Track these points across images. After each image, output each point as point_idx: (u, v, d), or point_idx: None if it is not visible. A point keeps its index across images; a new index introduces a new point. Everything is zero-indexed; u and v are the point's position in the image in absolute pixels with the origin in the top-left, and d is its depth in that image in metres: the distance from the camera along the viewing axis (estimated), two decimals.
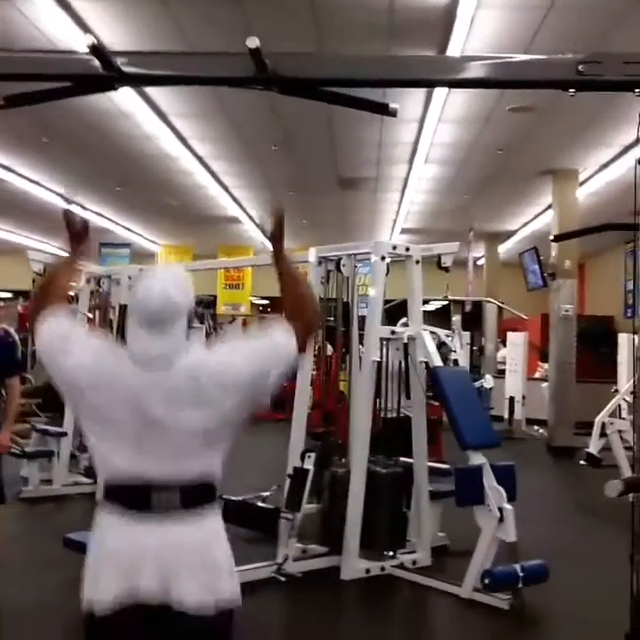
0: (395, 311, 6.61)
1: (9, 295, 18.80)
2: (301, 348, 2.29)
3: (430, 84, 2.58)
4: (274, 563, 5.10)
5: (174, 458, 2.18)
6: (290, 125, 8.78)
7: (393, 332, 5.30)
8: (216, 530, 2.26)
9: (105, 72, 2.43)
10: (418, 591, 5.11)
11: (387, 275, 5.49)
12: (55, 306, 2.39)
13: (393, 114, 2.48)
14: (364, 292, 9.26)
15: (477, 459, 4.83)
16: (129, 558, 2.14)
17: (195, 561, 2.17)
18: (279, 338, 2.26)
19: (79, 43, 6.32)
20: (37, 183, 11.78)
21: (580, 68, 2.69)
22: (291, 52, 2.54)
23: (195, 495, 2.21)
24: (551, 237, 10.90)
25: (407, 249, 5.42)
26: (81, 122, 8.81)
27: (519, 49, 6.33)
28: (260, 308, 24.71)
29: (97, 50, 2.32)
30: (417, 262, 5.43)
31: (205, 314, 20.51)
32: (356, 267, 5.90)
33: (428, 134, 9.01)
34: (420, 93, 7.64)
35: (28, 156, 10.63)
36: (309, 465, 5.21)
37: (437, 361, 5.18)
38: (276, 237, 2.39)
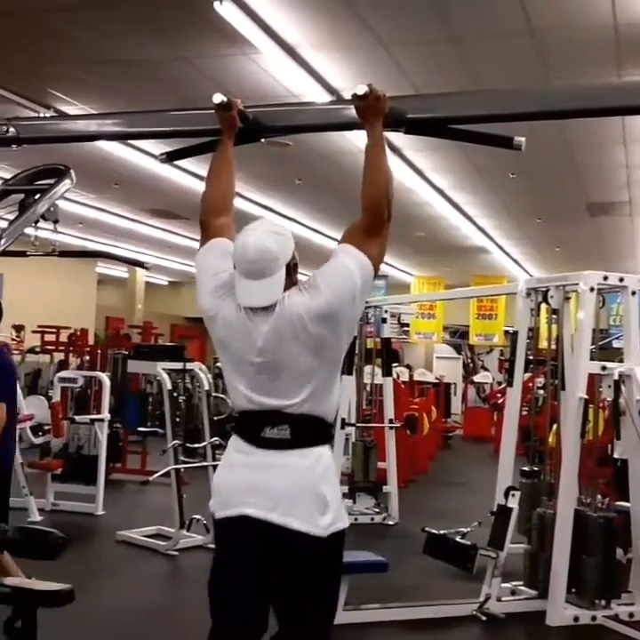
0: None
1: None
2: (376, 248, 2.42)
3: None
4: (476, 600, 5.02)
5: (282, 394, 2.33)
6: (525, 153, 8.60)
7: (604, 368, 5.01)
8: (323, 463, 2.36)
9: (244, 125, 2.65)
10: None
11: (602, 306, 5.27)
12: (222, 226, 2.55)
13: (518, 148, 2.43)
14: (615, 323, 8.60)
15: None
16: (242, 481, 2.37)
17: (299, 488, 2.31)
18: (352, 262, 2.34)
19: (313, 91, 6.89)
20: (293, 220, 12.62)
21: None
22: (410, 94, 2.58)
23: (304, 429, 2.34)
24: None
25: (621, 279, 5.12)
26: (326, 161, 9.29)
27: None
28: None
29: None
30: (633, 293, 5.11)
31: (462, 344, 20.48)
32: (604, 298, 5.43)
33: None
34: None
35: (284, 197, 11.42)
36: (513, 503, 5.07)
37: None
38: (372, 108, 2.37)
